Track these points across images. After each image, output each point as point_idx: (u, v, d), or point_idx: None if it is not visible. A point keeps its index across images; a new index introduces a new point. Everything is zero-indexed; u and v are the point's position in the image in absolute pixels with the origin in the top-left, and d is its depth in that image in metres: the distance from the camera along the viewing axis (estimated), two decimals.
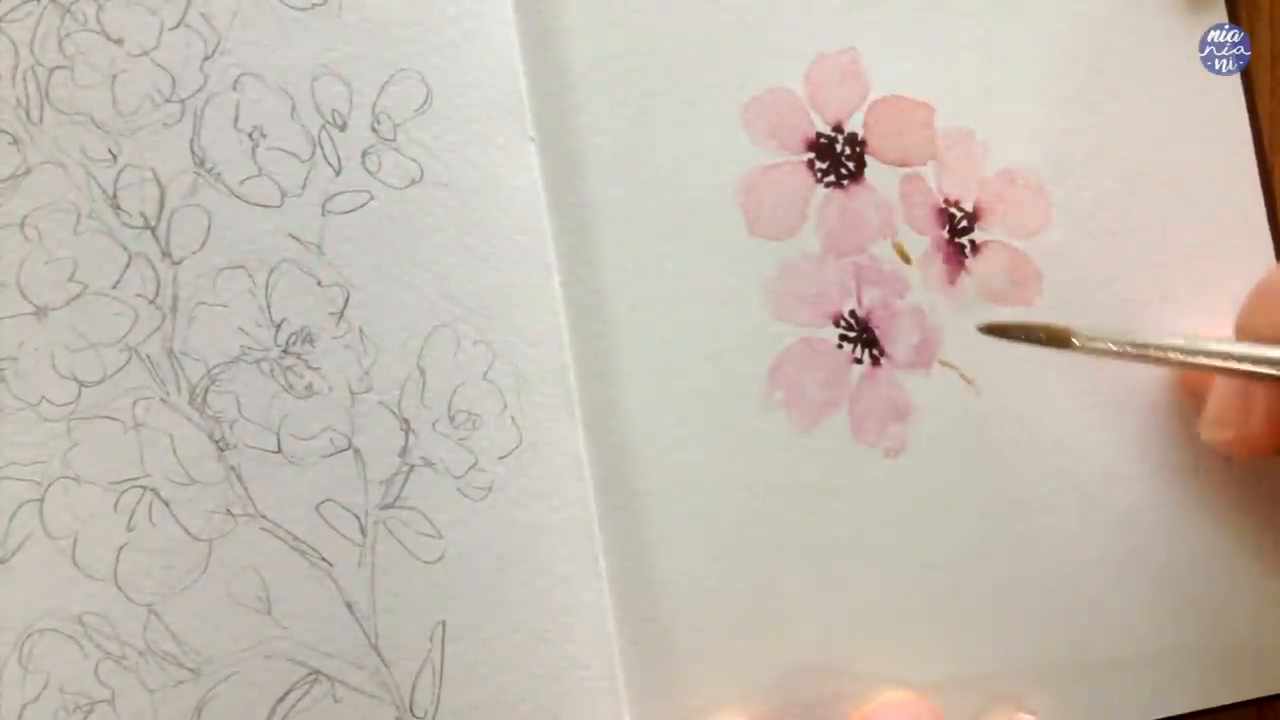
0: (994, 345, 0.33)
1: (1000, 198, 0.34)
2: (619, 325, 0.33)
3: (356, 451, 0.32)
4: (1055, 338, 0.30)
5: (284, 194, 0.32)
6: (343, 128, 0.32)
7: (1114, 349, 0.28)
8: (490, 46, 0.33)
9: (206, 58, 0.32)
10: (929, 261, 0.34)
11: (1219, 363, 0.27)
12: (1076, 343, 0.29)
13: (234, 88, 0.32)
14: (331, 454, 0.32)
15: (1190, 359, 0.27)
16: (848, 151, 0.34)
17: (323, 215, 0.32)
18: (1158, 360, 0.28)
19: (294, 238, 0.32)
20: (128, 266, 0.32)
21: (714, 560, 0.33)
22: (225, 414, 0.31)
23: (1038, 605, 0.33)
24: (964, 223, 0.34)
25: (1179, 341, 0.28)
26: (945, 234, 0.34)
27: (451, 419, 0.32)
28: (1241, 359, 0.26)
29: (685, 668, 0.32)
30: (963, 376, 0.33)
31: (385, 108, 0.32)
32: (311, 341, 0.32)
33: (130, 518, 0.31)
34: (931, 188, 0.34)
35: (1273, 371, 0.25)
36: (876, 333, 0.34)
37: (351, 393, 0.32)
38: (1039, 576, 0.33)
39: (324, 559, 0.31)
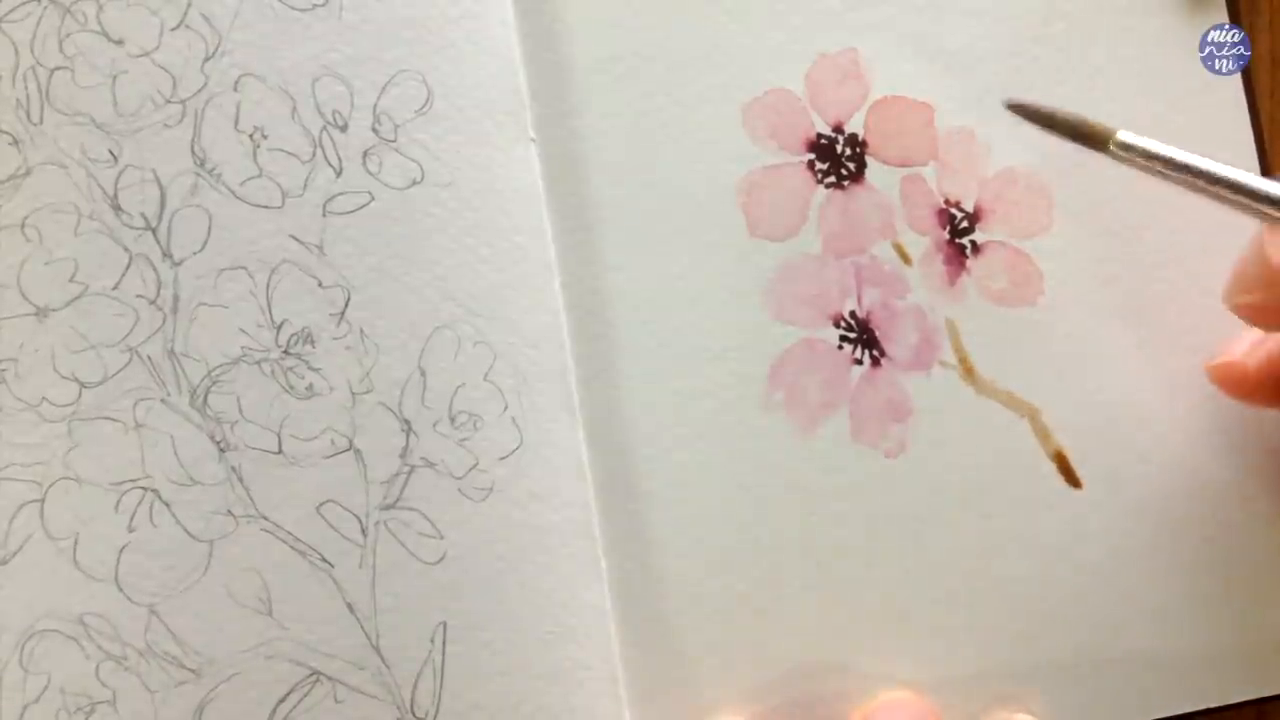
0: (992, 347, 0.33)
1: (1001, 198, 0.34)
2: (619, 325, 0.33)
3: (357, 452, 0.32)
4: (1091, 135, 0.28)
5: (285, 195, 0.32)
6: (343, 128, 0.32)
7: (1147, 163, 0.27)
8: (491, 47, 0.33)
9: (207, 58, 0.32)
10: (929, 262, 0.34)
11: (1264, 207, 0.25)
12: (1114, 148, 0.27)
13: (235, 88, 0.32)
14: (332, 455, 0.32)
15: (1231, 195, 0.25)
16: (848, 152, 0.34)
17: (323, 216, 0.32)
18: (1192, 186, 0.26)
19: (295, 239, 0.32)
20: (128, 267, 0.32)
21: (714, 560, 0.33)
22: (226, 415, 0.31)
23: (1037, 605, 0.33)
24: (965, 223, 0.34)
25: (1225, 171, 0.26)
26: (946, 234, 0.34)
27: (452, 420, 0.32)
28: None
29: (685, 668, 0.32)
30: (962, 377, 0.34)
31: (386, 108, 0.32)
32: (312, 342, 0.32)
33: (131, 519, 0.31)
34: (932, 188, 0.34)
35: None
36: (876, 333, 0.34)
37: (352, 393, 0.32)
38: (1039, 576, 0.33)
39: (325, 560, 0.31)
